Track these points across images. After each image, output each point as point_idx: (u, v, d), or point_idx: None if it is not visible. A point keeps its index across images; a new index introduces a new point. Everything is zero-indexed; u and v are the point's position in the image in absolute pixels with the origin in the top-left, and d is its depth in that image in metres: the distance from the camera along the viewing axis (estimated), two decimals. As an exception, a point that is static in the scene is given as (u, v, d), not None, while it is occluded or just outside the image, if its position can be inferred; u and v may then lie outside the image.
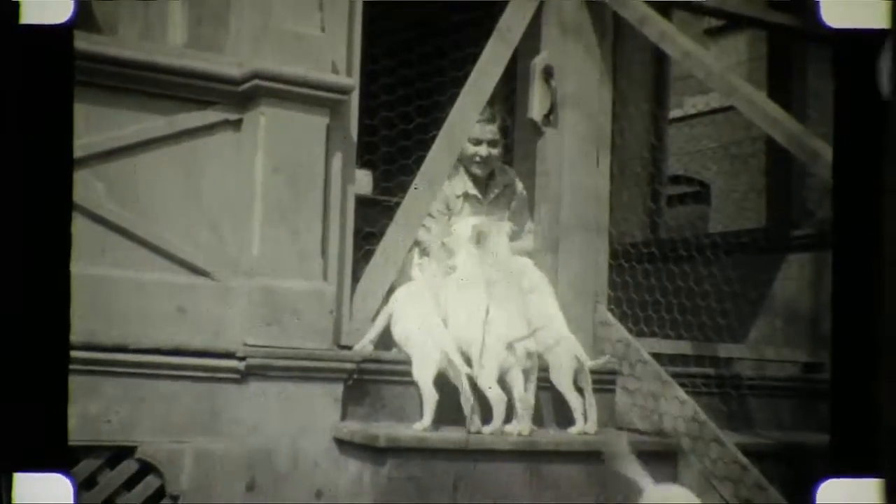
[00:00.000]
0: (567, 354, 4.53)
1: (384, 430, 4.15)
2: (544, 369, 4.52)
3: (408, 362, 4.40)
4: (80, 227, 3.76)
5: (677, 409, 4.57)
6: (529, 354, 4.39)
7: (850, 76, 2.84)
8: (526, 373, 4.39)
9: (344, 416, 4.27)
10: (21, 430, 2.81)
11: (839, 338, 2.83)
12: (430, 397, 4.27)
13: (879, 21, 2.80)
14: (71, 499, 2.77)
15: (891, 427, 2.69)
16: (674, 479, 4.52)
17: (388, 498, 4.07)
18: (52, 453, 2.81)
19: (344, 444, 4.22)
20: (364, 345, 4.41)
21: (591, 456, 4.41)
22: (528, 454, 4.28)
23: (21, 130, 2.91)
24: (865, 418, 2.73)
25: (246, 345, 4.14)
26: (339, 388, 4.26)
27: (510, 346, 4.35)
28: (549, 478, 4.31)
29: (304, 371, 4.19)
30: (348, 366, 4.28)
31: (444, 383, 4.31)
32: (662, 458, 4.54)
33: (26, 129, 2.91)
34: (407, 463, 4.09)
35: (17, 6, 2.86)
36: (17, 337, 2.84)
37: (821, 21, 2.83)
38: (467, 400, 4.30)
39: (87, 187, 3.95)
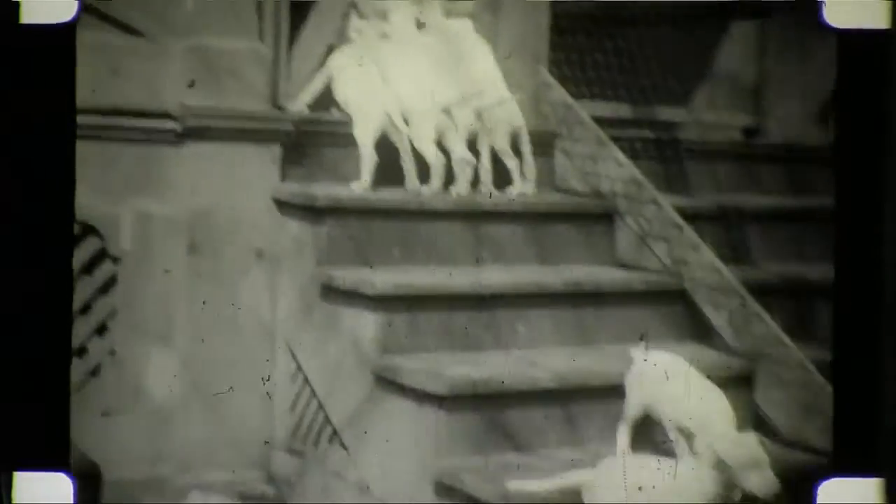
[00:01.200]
0: (506, 116, 4.52)
1: (324, 189, 4.16)
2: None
3: (347, 123, 4.38)
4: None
5: (615, 171, 4.60)
6: (480, 115, 4.40)
7: (852, 76, 2.76)
8: (476, 133, 4.40)
9: (283, 178, 4.26)
10: (21, 430, 2.80)
11: (839, 337, 2.81)
12: (369, 157, 4.27)
13: (880, 21, 2.72)
14: (71, 499, 2.77)
15: (891, 427, 2.69)
16: (611, 243, 4.60)
17: (328, 258, 4.11)
18: (52, 453, 2.81)
19: (283, 205, 4.22)
20: (300, 105, 4.38)
21: (529, 216, 4.46)
22: (467, 214, 4.32)
23: (21, 130, 2.85)
24: (865, 418, 2.72)
25: (182, 105, 4.08)
26: (277, 150, 4.24)
27: (447, 110, 4.34)
28: (487, 237, 4.36)
29: (241, 133, 4.15)
30: (286, 127, 4.24)
31: (385, 145, 4.30)
32: (599, 219, 4.60)
33: (26, 129, 2.85)
34: (347, 222, 4.12)
35: (17, 6, 2.79)
36: (17, 337, 2.82)
37: (823, 21, 2.74)
38: (407, 161, 4.31)
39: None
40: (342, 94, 4.42)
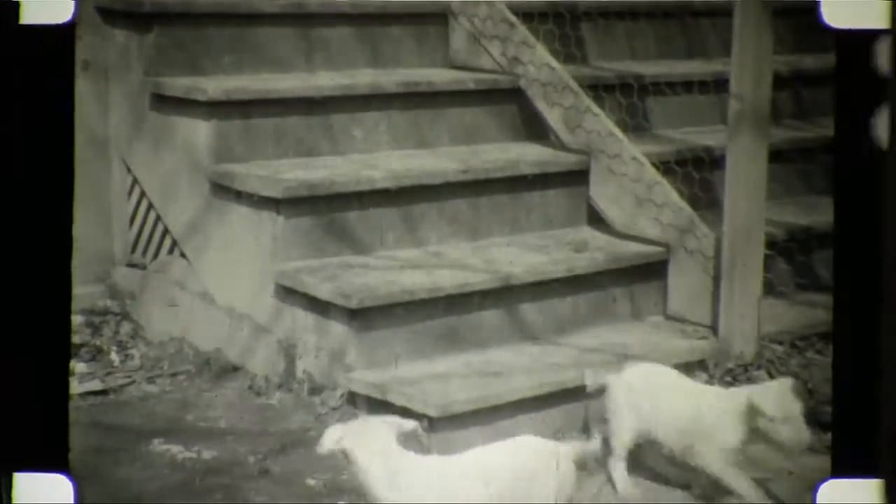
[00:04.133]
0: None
1: (147, -5, 4.05)
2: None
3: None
4: None
5: (448, -30, 4.56)
6: None
7: (851, 76, 2.67)
8: None
9: (109, -15, 4.13)
10: (21, 430, 2.68)
11: (839, 338, 2.77)
12: None
13: (880, 21, 2.62)
14: (71, 499, 2.68)
15: (891, 427, 2.67)
16: (445, 44, 4.58)
17: (157, 67, 4.02)
18: (52, 453, 2.69)
19: (108, 14, 4.10)
20: None
21: (361, 18, 4.41)
22: (298, 17, 4.26)
23: (21, 130, 2.65)
24: (865, 418, 2.70)
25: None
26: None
27: None
28: (319, 40, 4.31)
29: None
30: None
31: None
32: (432, 19, 4.57)
33: (26, 129, 2.65)
34: (174, 30, 4.02)
35: (17, 6, 2.57)
36: (18, 337, 2.67)
37: (821, 21, 2.63)
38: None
39: None
40: None
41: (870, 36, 2.70)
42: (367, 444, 2.58)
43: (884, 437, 2.67)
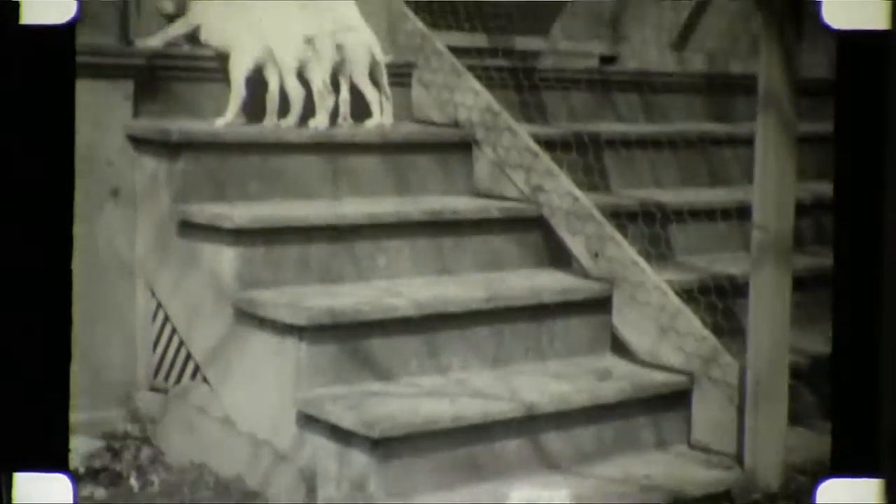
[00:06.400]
0: (363, 48, 4.51)
1: (178, 125, 4.11)
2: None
3: (201, 58, 4.35)
4: None
5: (472, 100, 4.63)
6: (339, 47, 4.38)
7: (852, 76, 2.76)
8: (342, 66, 4.40)
9: (137, 114, 4.20)
10: (21, 430, 2.74)
11: (839, 338, 2.82)
12: (238, 94, 4.27)
13: (880, 21, 2.71)
14: (71, 499, 2.72)
15: (891, 427, 2.70)
16: (470, 172, 4.64)
17: (184, 194, 4.07)
18: (52, 453, 2.75)
19: (138, 142, 4.17)
20: (153, 42, 4.32)
21: (387, 147, 4.48)
22: (324, 147, 4.32)
23: (21, 131, 2.76)
24: (865, 418, 2.73)
25: (28, 41, 3.98)
26: (129, 85, 4.17)
27: (309, 40, 4.32)
28: (345, 169, 4.36)
29: (91, 68, 4.06)
30: (138, 62, 4.17)
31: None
32: (457, 148, 4.64)
33: (26, 129, 2.76)
34: (202, 158, 4.08)
35: (17, 6, 2.70)
36: (18, 336, 2.75)
37: (822, 21, 2.73)
38: (272, 95, 4.30)
39: None
40: (217, 32, 4.36)
41: (870, 36, 2.71)
42: None
43: (884, 437, 2.64)
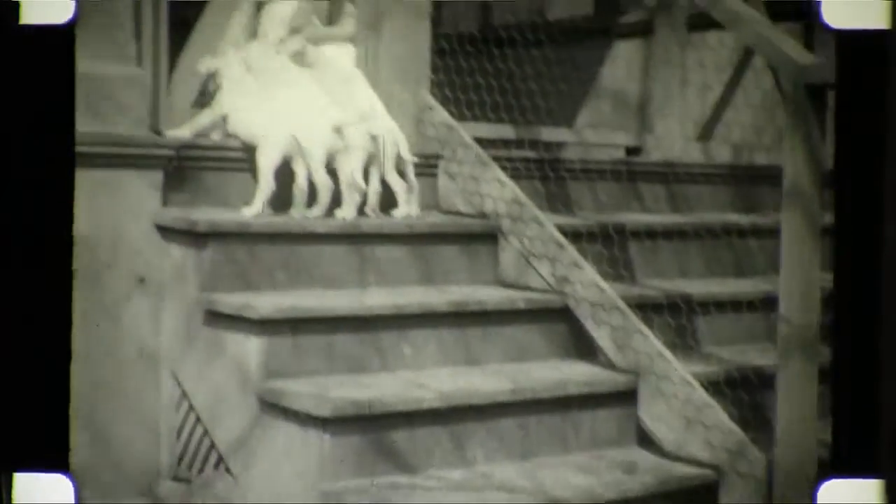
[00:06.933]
0: (391, 140, 4.55)
1: (205, 215, 4.14)
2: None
3: (229, 148, 4.39)
4: None
5: (498, 191, 4.65)
6: (374, 137, 4.42)
7: (851, 77, 2.80)
8: (372, 157, 4.43)
9: (165, 203, 4.23)
10: (21, 430, 2.76)
11: (839, 338, 2.83)
12: (267, 186, 4.29)
13: (880, 21, 2.75)
14: (71, 499, 2.74)
15: (891, 427, 2.71)
16: (495, 262, 4.65)
17: (211, 283, 4.09)
18: (52, 453, 2.77)
19: (165, 231, 4.19)
20: (183, 134, 4.36)
21: (413, 238, 4.49)
22: (351, 237, 4.33)
23: (21, 131, 2.82)
24: (865, 418, 2.74)
25: (60, 131, 4.03)
26: (158, 175, 4.21)
27: (338, 130, 4.36)
28: (372, 259, 4.37)
29: (121, 158, 4.11)
30: (166, 152, 4.22)
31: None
32: (483, 239, 4.65)
33: (26, 129, 2.82)
34: (229, 247, 4.10)
35: (17, 6, 2.77)
36: (18, 336, 2.78)
37: (821, 21, 2.77)
38: (300, 186, 4.33)
39: None
40: (244, 123, 4.41)
41: (870, 36, 2.69)
42: None
43: (884, 437, 2.60)
